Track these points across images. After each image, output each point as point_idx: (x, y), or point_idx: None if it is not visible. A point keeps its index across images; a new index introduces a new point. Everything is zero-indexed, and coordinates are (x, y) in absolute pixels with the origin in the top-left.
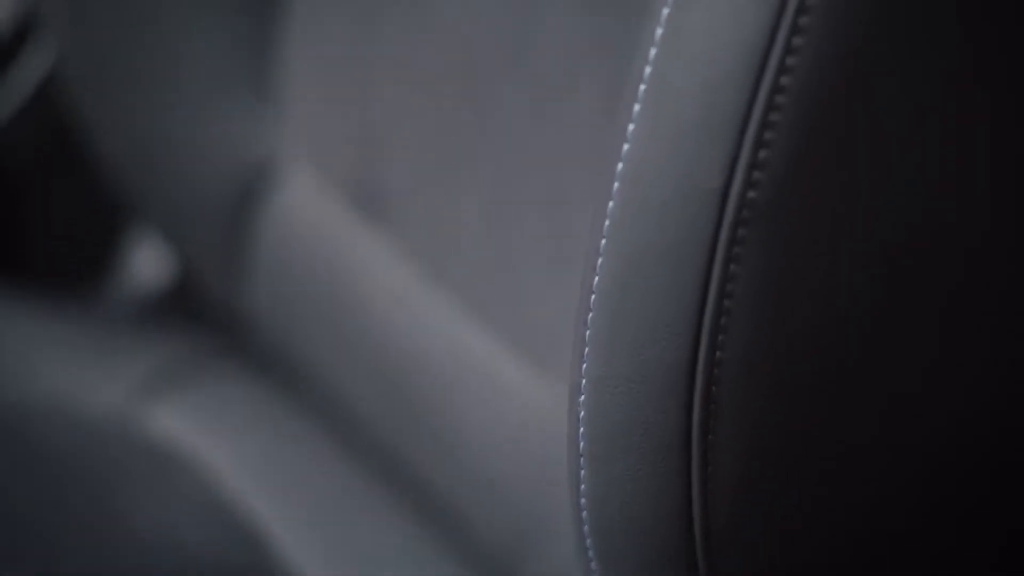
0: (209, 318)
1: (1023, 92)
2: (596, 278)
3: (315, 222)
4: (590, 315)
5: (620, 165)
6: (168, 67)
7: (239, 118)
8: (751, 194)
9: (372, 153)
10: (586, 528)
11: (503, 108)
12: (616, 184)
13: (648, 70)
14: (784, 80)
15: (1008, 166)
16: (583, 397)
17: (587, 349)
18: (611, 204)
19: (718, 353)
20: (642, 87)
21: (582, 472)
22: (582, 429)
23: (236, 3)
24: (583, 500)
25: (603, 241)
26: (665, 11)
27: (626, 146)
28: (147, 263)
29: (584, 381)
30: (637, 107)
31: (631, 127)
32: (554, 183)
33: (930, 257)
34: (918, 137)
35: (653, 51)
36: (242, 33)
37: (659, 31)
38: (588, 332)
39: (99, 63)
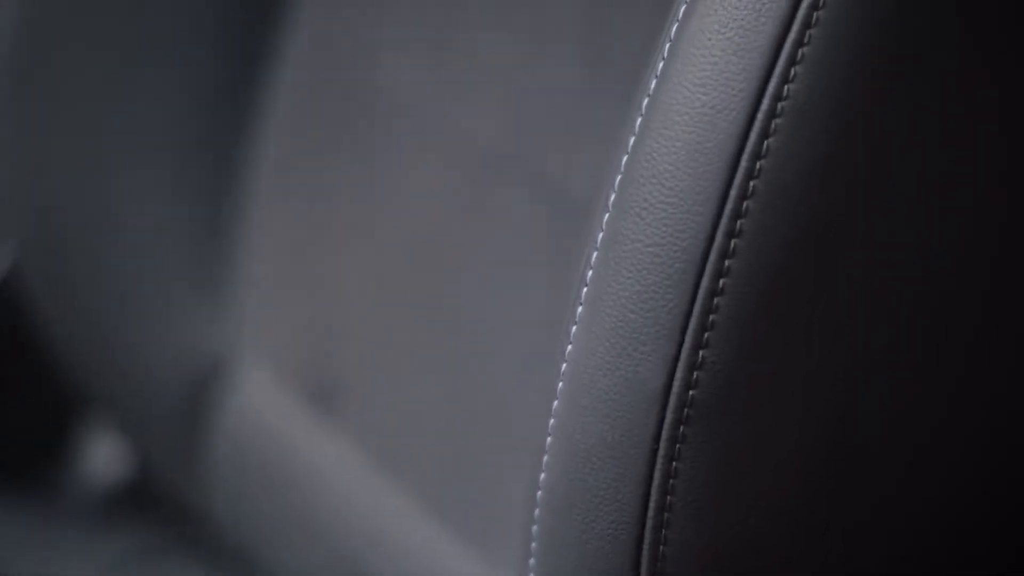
0: (165, 511)
1: None
2: (543, 474)
3: (270, 417)
4: (536, 511)
5: (564, 365)
6: (122, 261)
7: (192, 312)
8: (693, 393)
9: (327, 347)
10: None
11: (457, 299)
12: (560, 383)
13: (589, 273)
14: (723, 282)
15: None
16: None
17: (534, 545)
18: (556, 403)
19: (661, 548)
20: (584, 289)
21: None
22: None
23: (190, 196)
24: None
25: (549, 439)
26: (606, 216)
27: (569, 346)
28: (103, 455)
29: None
30: (580, 309)
31: (574, 328)
32: (508, 376)
33: (875, 456)
34: (858, 326)
35: (594, 255)
36: (196, 227)
37: (600, 235)
38: (535, 528)
39: (54, 257)
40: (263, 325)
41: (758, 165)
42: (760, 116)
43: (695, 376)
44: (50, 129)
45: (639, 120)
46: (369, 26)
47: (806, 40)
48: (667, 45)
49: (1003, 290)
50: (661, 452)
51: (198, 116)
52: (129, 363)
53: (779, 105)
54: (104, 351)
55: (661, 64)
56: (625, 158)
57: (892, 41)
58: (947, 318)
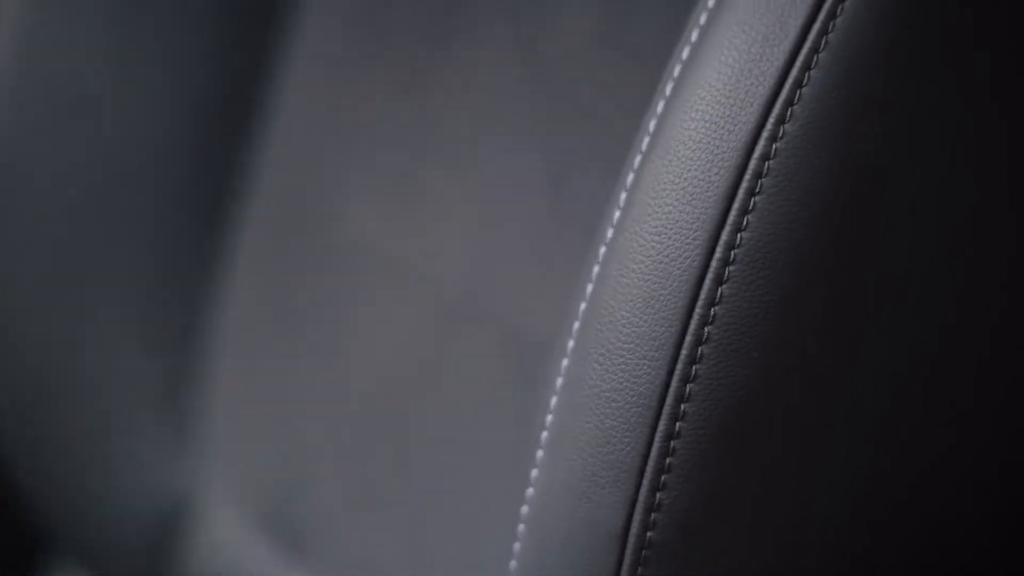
0: None
1: None
2: None
3: (237, 555)
4: None
5: (525, 508)
6: (89, 400)
7: (160, 451)
8: (651, 535)
9: (293, 488)
10: None
11: (421, 445)
12: (522, 526)
13: (549, 418)
14: (679, 425)
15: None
16: None
17: None
18: (517, 544)
19: None
20: (544, 434)
21: None
22: None
23: (157, 337)
24: None
25: None
26: (564, 362)
27: (530, 490)
28: None
29: None
30: (540, 453)
31: (534, 472)
32: (472, 519)
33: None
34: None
35: (553, 400)
36: (164, 367)
37: (559, 380)
38: None
39: (21, 396)
40: (231, 465)
41: (712, 311)
42: (714, 263)
43: (652, 518)
44: (16, 271)
45: (596, 269)
46: (336, 169)
47: (758, 189)
48: (623, 194)
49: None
50: None
51: (164, 259)
52: (96, 500)
53: (733, 253)
54: (71, 488)
55: (617, 213)
56: (583, 305)
57: (840, 191)
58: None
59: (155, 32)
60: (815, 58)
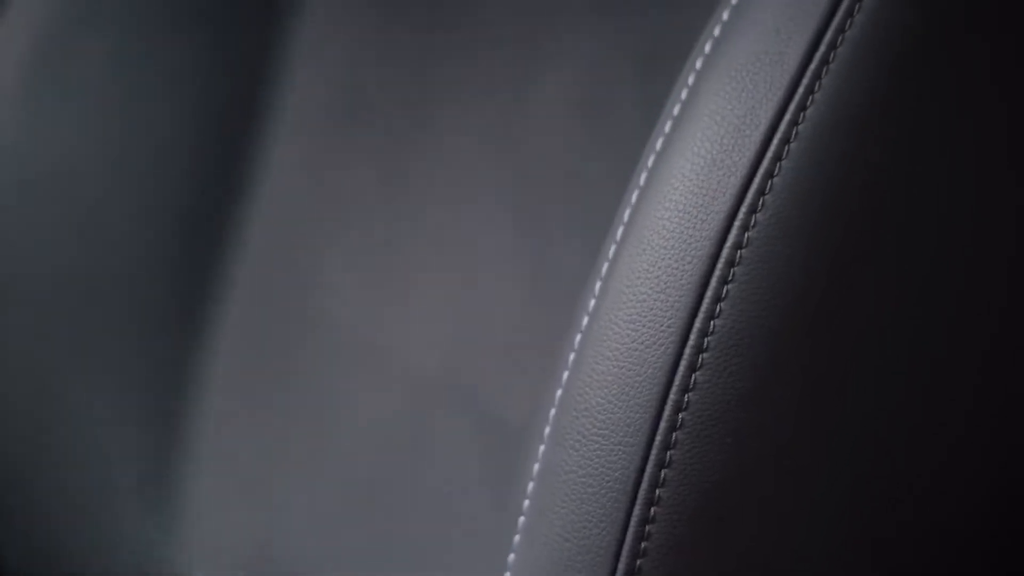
0: None
1: None
2: None
3: None
4: None
5: None
6: (72, 479)
7: (142, 529)
8: None
9: (270, 558)
10: None
11: (400, 527)
12: None
13: (526, 503)
14: (654, 510)
15: None
16: None
17: None
18: None
19: None
20: (521, 519)
21: None
22: None
23: (139, 418)
24: None
25: None
26: (541, 447)
27: (507, 574)
28: None
29: None
30: (517, 538)
31: (511, 557)
32: None
33: None
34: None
35: (530, 485)
36: (147, 437)
37: (535, 466)
38: None
39: (2, 479)
40: (212, 544)
41: (686, 398)
42: (688, 351)
43: None
44: None
45: (572, 356)
46: (317, 243)
47: (731, 277)
48: (598, 283)
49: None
50: None
51: (147, 330)
52: (78, 568)
53: (706, 340)
54: (52, 558)
55: (592, 301)
56: (559, 392)
57: (813, 279)
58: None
59: (138, 103)
60: (786, 148)
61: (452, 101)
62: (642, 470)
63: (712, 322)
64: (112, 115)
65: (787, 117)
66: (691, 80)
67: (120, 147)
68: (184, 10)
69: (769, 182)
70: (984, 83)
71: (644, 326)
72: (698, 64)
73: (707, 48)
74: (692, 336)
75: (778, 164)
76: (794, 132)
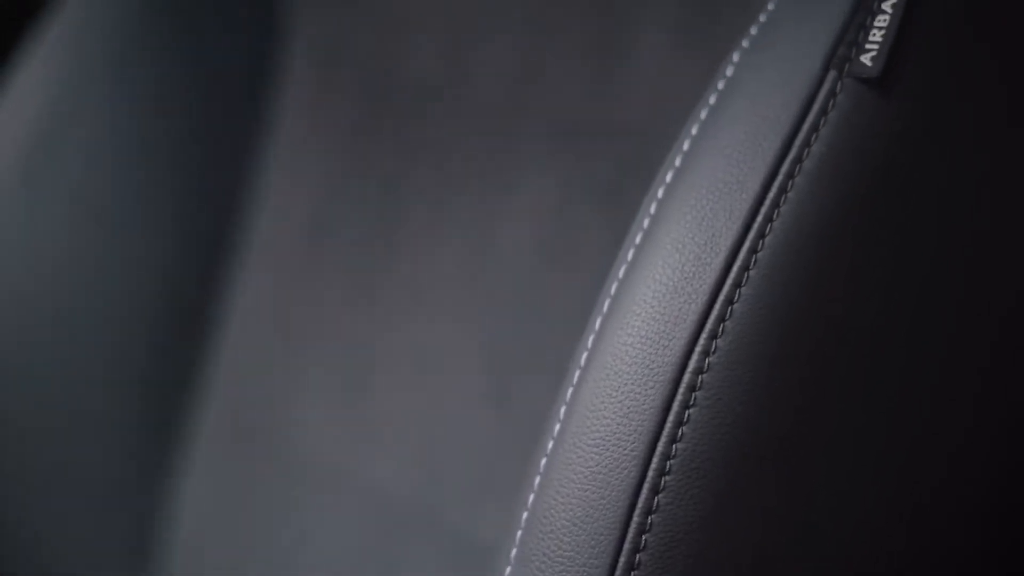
0: None
1: None
2: None
3: None
4: None
5: None
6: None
7: None
8: None
9: None
10: None
11: None
12: None
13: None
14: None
15: None
16: None
17: None
18: None
19: None
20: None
21: None
22: None
23: (105, 549)
24: None
25: None
26: (507, 569)
27: None
28: None
29: None
30: None
31: None
32: None
33: None
34: None
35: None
36: (125, 512)
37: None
38: None
39: None
40: None
41: (650, 520)
42: (651, 474)
43: None
44: None
45: (537, 479)
46: (286, 374)
47: (693, 402)
48: (562, 408)
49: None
50: None
51: (113, 472)
52: None
53: (668, 464)
54: None
55: (557, 425)
56: (525, 515)
57: (773, 406)
58: None
59: (111, 241)
60: (745, 275)
61: (419, 235)
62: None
63: (674, 445)
64: (85, 238)
65: (747, 244)
66: (653, 209)
67: (95, 268)
68: (155, 145)
69: (729, 308)
70: (938, 212)
71: (608, 450)
72: (660, 193)
73: (668, 177)
74: (655, 459)
75: (738, 291)
76: (753, 259)
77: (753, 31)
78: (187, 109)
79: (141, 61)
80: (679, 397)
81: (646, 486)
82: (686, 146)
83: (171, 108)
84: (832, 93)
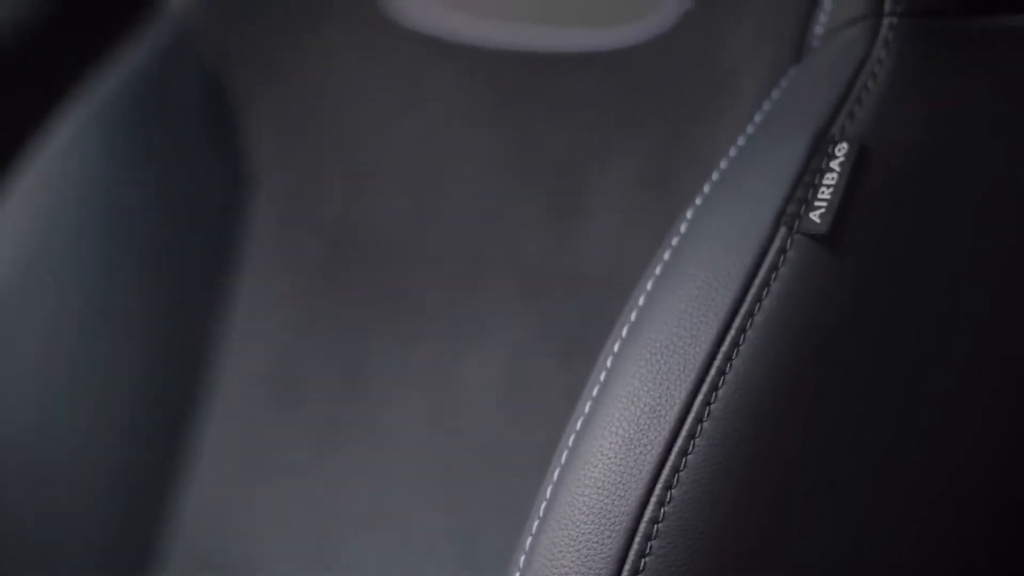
0: None
1: None
2: None
3: None
4: None
5: None
6: None
7: None
8: None
9: None
10: None
11: None
12: None
13: None
14: None
15: None
16: None
17: None
18: None
19: None
20: None
21: None
22: None
23: None
24: None
25: None
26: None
27: None
28: None
29: None
30: None
31: None
32: None
33: None
34: None
35: None
36: None
37: None
38: None
39: None
40: None
41: None
42: None
43: None
44: None
45: None
46: (250, 526)
47: (648, 551)
48: (522, 556)
49: None
50: None
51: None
52: None
53: None
54: None
55: (517, 574)
56: None
57: (729, 550)
58: None
59: (72, 394)
60: (699, 427)
61: (382, 384)
62: None
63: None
64: (46, 395)
65: (700, 397)
66: (609, 363)
67: (54, 426)
68: (121, 295)
69: (684, 459)
70: (886, 364)
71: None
72: (615, 347)
73: (624, 332)
74: None
75: (692, 442)
76: (707, 411)
77: (706, 189)
78: (153, 256)
79: (110, 205)
80: (635, 546)
81: None
82: (641, 301)
83: (136, 255)
84: (782, 250)
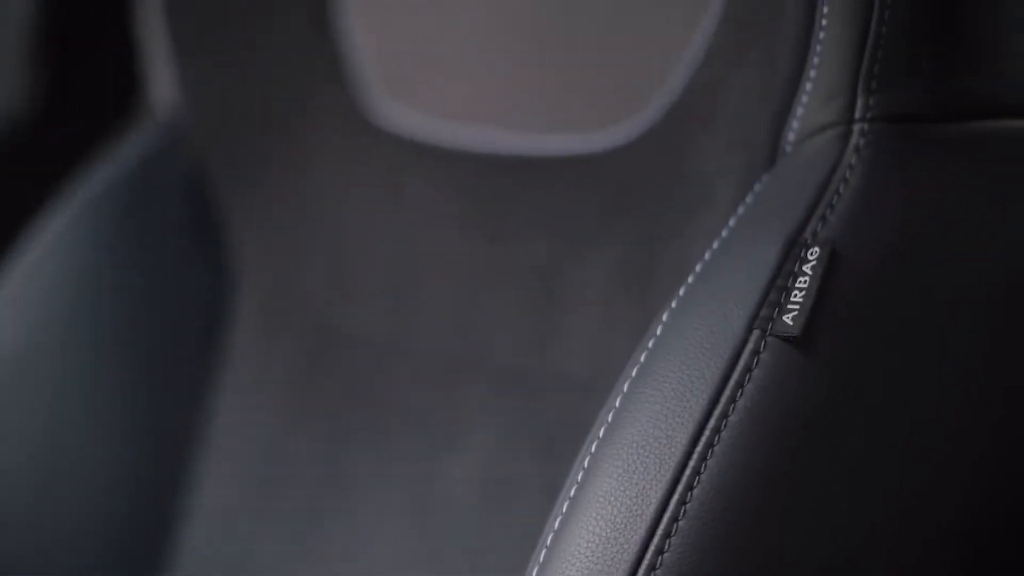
0: None
1: None
2: None
3: None
4: None
5: None
6: None
7: None
8: None
9: None
10: None
11: None
12: None
13: None
14: None
15: None
16: None
17: None
18: None
19: None
20: None
21: None
22: None
23: None
24: None
25: None
26: None
27: None
28: None
29: None
30: None
31: None
32: None
33: None
34: None
35: None
36: None
37: None
38: None
39: None
40: None
41: None
42: None
43: None
44: None
45: None
46: None
47: None
48: None
49: None
50: None
51: None
52: None
53: None
54: None
55: None
56: None
57: None
58: None
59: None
60: (675, 526)
61: (362, 485)
62: None
63: None
64: (36, 470)
65: (675, 497)
66: (587, 462)
67: (33, 519)
68: (104, 395)
69: (660, 558)
70: (856, 463)
71: None
72: (593, 447)
73: (600, 432)
74: None
75: (668, 541)
76: (683, 511)
77: (682, 292)
78: (136, 356)
79: (95, 306)
80: None
81: None
82: (618, 402)
83: (119, 355)
84: (756, 351)
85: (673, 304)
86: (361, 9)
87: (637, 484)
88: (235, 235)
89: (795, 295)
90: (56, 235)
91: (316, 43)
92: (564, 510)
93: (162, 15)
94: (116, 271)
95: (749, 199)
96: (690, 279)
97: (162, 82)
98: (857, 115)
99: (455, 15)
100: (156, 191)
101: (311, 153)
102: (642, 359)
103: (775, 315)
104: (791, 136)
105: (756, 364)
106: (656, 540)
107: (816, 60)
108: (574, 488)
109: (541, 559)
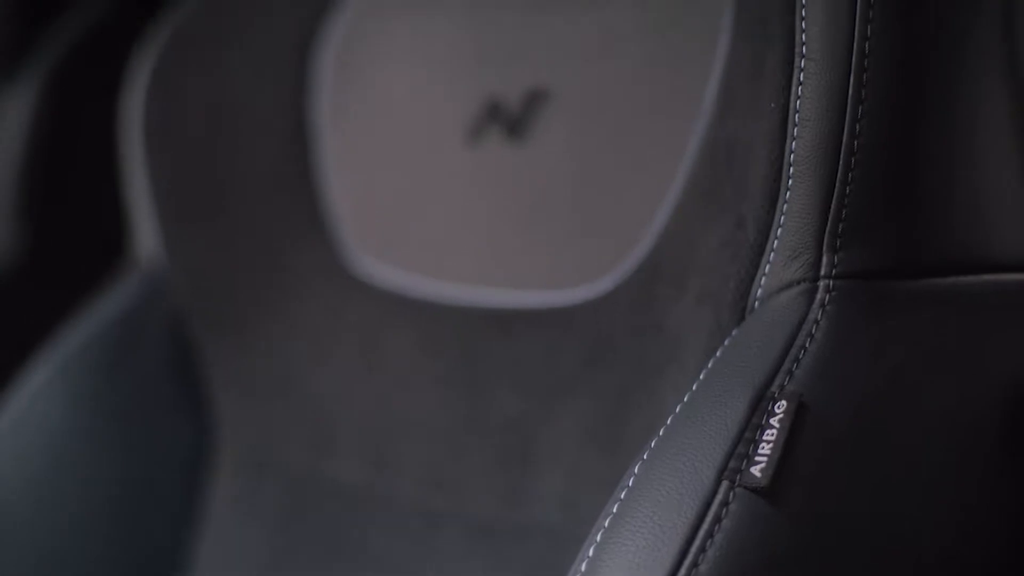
0: None
1: None
2: None
3: None
4: None
5: None
6: None
7: None
8: None
9: None
10: None
11: None
12: None
13: None
14: None
15: None
16: None
17: None
18: None
19: None
20: None
21: None
22: None
23: None
24: None
25: None
26: None
27: None
28: None
29: None
30: None
31: None
32: None
33: None
34: None
35: None
36: None
37: None
38: None
39: None
40: None
41: None
42: None
43: None
44: None
45: None
46: None
47: None
48: None
49: None
50: None
51: None
52: None
53: None
54: None
55: None
56: None
57: None
58: None
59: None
60: None
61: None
62: None
63: None
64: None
65: None
66: None
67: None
68: (87, 561)
69: None
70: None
71: None
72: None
73: (591, 552)
74: None
75: None
76: None
77: (652, 444)
78: (117, 510)
79: (75, 460)
80: None
81: None
82: (591, 552)
83: (100, 510)
84: (725, 502)
85: (644, 456)
86: (340, 166)
87: None
88: (216, 386)
89: (763, 447)
90: (37, 387)
91: (296, 200)
92: None
93: (145, 176)
94: (97, 425)
95: (719, 353)
96: (661, 432)
97: (146, 235)
98: (823, 272)
99: (433, 175)
100: (138, 343)
101: (292, 306)
102: (615, 510)
103: (743, 467)
104: (759, 292)
105: (725, 515)
106: None
107: (783, 219)
108: None
109: None
